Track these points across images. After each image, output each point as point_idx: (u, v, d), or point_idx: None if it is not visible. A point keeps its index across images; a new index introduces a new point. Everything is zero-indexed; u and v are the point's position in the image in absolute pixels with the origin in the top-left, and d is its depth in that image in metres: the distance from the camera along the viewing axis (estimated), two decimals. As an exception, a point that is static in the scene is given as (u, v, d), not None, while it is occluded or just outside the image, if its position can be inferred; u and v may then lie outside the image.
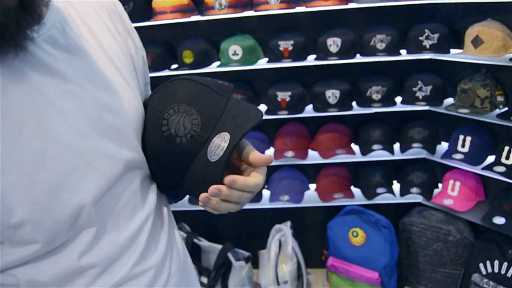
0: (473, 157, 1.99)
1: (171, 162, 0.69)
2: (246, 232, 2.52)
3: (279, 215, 2.42)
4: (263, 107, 2.29)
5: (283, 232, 2.26)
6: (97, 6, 0.70)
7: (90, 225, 0.61)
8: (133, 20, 2.39)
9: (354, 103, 2.22)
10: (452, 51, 2.04)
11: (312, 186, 2.41)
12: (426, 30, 2.02)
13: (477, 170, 1.95)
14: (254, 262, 2.38)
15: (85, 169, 0.60)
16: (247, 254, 2.30)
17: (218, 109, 0.69)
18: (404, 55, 2.08)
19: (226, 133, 0.66)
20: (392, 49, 2.07)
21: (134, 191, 0.70)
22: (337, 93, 2.15)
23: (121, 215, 0.67)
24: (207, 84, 0.71)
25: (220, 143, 0.65)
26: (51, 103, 0.57)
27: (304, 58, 2.15)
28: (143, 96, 0.79)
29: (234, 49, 2.16)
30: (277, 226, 2.35)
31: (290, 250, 2.19)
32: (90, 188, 0.60)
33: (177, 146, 0.67)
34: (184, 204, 2.31)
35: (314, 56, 2.17)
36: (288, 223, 2.34)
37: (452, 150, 2.07)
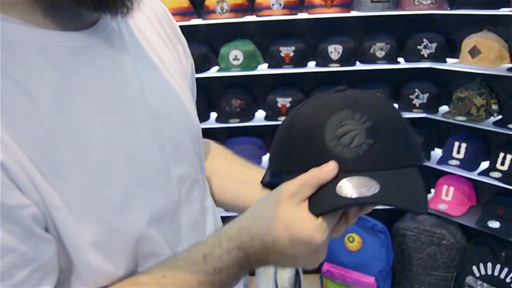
0: (468, 163, 2.06)
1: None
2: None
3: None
4: (261, 113, 2.28)
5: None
6: (147, 12, 0.67)
7: (152, 253, 0.55)
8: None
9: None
10: (448, 60, 2.11)
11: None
12: (424, 40, 2.09)
13: (473, 175, 2.02)
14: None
15: (151, 185, 0.55)
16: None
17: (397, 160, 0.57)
18: (402, 63, 2.13)
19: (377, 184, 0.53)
20: (391, 57, 2.12)
21: (196, 213, 0.66)
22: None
23: (185, 241, 0.62)
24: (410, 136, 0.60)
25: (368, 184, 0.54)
26: (114, 109, 0.53)
27: (304, 65, 2.16)
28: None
29: (235, 54, 2.14)
30: (273, 232, 2.34)
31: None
32: (155, 207, 0.55)
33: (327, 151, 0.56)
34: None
35: (314, 62, 2.19)
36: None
37: (447, 156, 2.13)
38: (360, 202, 0.53)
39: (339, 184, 0.53)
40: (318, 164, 0.54)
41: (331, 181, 0.54)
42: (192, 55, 2.37)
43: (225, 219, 0.61)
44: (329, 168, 0.53)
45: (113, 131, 0.52)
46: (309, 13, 2.08)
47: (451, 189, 2.19)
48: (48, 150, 0.45)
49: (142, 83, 0.58)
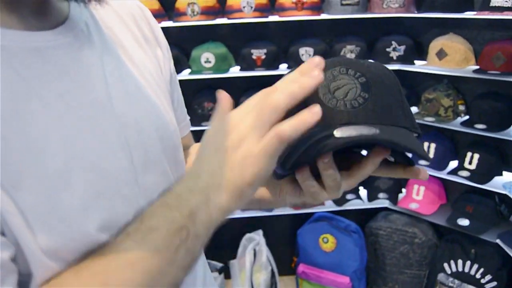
0: (438, 163, 2.11)
1: None
2: (215, 242, 2.47)
3: (248, 224, 2.40)
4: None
5: (256, 241, 2.25)
6: (122, 12, 0.65)
7: None
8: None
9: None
10: (416, 62, 2.15)
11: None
12: (393, 42, 2.12)
13: (443, 175, 2.06)
14: (225, 272, 2.34)
15: (113, 195, 0.52)
16: (220, 265, 2.26)
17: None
18: (372, 65, 2.16)
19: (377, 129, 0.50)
20: (360, 59, 2.14)
21: None
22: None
23: None
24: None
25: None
26: (76, 114, 0.50)
27: (276, 67, 2.17)
28: (173, 111, 0.73)
29: (206, 56, 2.13)
30: (248, 235, 2.33)
31: (265, 259, 2.18)
32: (116, 218, 0.52)
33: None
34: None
35: (286, 65, 2.19)
36: (260, 231, 2.33)
37: (415, 157, 2.17)
38: (360, 140, 0.49)
39: (335, 131, 0.49)
40: None
41: (325, 131, 0.50)
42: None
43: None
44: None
45: (74, 137, 0.49)
46: (280, 16, 2.09)
47: (422, 188, 2.23)
48: (1, 155, 0.43)
49: (110, 86, 0.55)
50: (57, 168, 0.46)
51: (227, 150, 0.48)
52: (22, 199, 0.44)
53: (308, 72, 0.47)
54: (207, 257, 2.46)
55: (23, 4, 0.47)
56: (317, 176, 0.54)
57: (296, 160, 0.50)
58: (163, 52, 0.72)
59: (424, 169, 0.57)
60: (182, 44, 2.22)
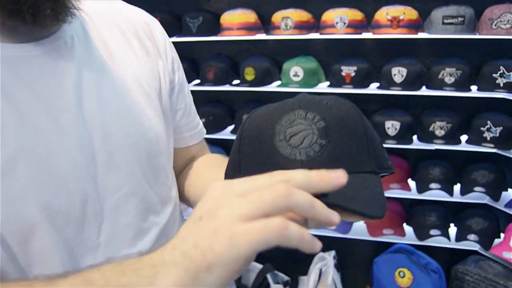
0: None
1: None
2: (288, 255, 2.47)
3: (324, 243, 2.34)
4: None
5: (325, 262, 2.19)
6: (124, 25, 0.71)
7: (42, 252, 0.58)
8: (201, 34, 2.43)
9: (415, 137, 2.11)
10: (530, 92, 1.88)
11: (362, 218, 2.31)
12: (501, 67, 1.89)
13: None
14: (293, 287, 2.32)
15: (58, 188, 0.58)
16: (286, 278, 2.25)
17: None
18: (474, 91, 1.95)
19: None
20: (461, 84, 1.95)
21: (122, 227, 0.67)
22: (397, 124, 2.06)
23: (100, 253, 0.64)
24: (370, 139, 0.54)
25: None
26: (37, 117, 0.57)
27: (366, 86, 2.08)
28: (168, 121, 0.77)
29: (295, 70, 2.15)
30: (320, 254, 2.28)
31: (330, 281, 2.11)
32: (59, 210, 0.58)
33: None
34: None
35: (377, 84, 2.10)
36: (332, 253, 2.26)
37: (519, 199, 1.90)
38: None
39: None
40: (266, 168, 0.46)
41: None
42: (255, 69, 2.42)
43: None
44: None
45: (28, 134, 0.56)
46: (374, 33, 2.01)
47: (522, 236, 1.93)
48: None
49: (83, 93, 0.61)
50: (5, 156, 0.54)
51: (201, 217, 0.41)
52: None
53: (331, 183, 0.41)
54: (279, 269, 2.47)
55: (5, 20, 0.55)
56: None
57: None
58: (166, 64, 0.77)
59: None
60: (275, 57, 2.27)
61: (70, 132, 0.59)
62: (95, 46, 0.66)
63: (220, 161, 0.85)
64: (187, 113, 0.86)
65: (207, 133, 2.52)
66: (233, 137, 2.25)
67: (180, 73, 0.83)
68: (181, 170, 0.87)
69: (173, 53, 0.81)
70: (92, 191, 0.62)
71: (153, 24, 0.78)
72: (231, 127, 2.34)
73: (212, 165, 0.86)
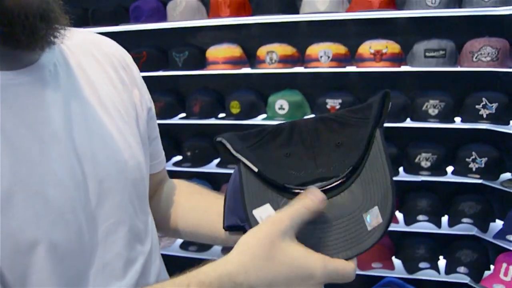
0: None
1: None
2: None
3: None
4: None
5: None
6: (100, 56, 0.71)
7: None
8: (187, 68, 2.46)
9: (401, 169, 2.11)
10: (512, 123, 1.90)
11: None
12: (483, 99, 1.91)
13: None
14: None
15: (55, 220, 0.56)
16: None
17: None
18: (458, 123, 1.97)
19: None
20: (445, 116, 1.97)
21: (113, 256, 0.65)
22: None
23: (91, 283, 0.62)
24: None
25: None
26: (27, 146, 0.55)
27: (351, 118, 2.09)
28: (146, 148, 0.77)
29: (280, 103, 2.16)
30: None
31: (320, 317, 2.05)
32: (56, 243, 0.56)
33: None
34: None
35: (362, 116, 2.11)
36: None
37: (507, 230, 1.89)
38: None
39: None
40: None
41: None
42: (241, 103, 2.43)
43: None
44: (316, 197, 0.51)
45: (22, 165, 0.54)
46: (357, 67, 2.04)
47: (511, 268, 1.91)
48: None
49: (71, 122, 0.61)
50: (1, 189, 0.52)
51: None
52: None
53: None
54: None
55: None
56: None
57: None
58: (142, 92, 0.78)
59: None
60: (260, 90, 2.28)
61: (62, 162, 0.58)
62: (76, 75, 0.66)
63: (198, 188, 0.88)
64: (157, 139, 0.86)
65: (193, 166, 2.50)
66: (219, 170, 2.25)
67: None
68: (150, 197, 0.86)
69: (142, 81, 0.82)
70: (85, 222, 0.61)
71: (126, 55, 0.79)
72: (216, 161, 2.32)
73: (199, 192, 0.87)
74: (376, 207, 0.52)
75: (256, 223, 0.53)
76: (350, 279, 0.51)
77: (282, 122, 0.62)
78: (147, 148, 0.79)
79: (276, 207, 0.53)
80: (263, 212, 0.53)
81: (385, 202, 0.51)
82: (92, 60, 0.70)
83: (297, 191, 0.54)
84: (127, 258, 0.68)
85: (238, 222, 0.61)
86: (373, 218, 0.51)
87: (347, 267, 0.51)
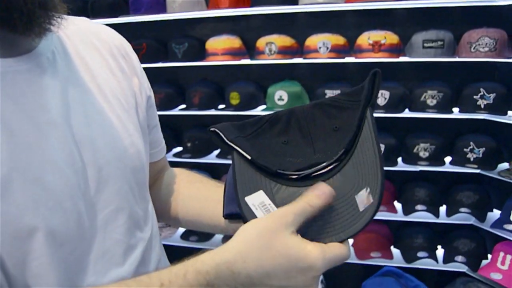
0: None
1: None
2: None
3: (312, 268, 2.32)
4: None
5: (313, 286, 2.16)
6: (99, 44, 0.72)
7: (37, 273, 0.56)
8: (186, 59, 2.46)
9: (399, 159, 2.12)
10: (510, 113, 1.91)
11: (349, 241, 2.30)
12: (481, 89, 1.92)
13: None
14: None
15: (53, 206, 0.56)
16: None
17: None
18: (456, 113, 1.98)
19: None
20: (443, 106, 1.98)
21: (112, 243, 0.66)
22: (381, 147, 2.07)
23: (91, 270, 0.63)
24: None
25: None
26: (25, 132, 0.56)
27: (350, 108, 2.10)
28: (146, 136, 0.78)
29: (280, 94, 2.17)
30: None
31: (318, 306, 2.08)
32: (54, 229, 0.56)
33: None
34: (216, 244, 2.28)
35: (360, 107, 2.12)
36: (320, 277, 2.24)
37: (504, 219, 1.90)
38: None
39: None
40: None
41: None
42: (240, 94, 2.44)
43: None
44: (322, 192, 0.52)
45: (20, 152, 0.55)
46: (356, 57, 2.04)
47: (509, 257, 1.93)
48: None
49: (69, 108, 0.61)
50: (0, 176, 0.53)
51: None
52: None
53: None
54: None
55: None
56: None
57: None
58: (142, 80, 0.78)
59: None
60: (260, 81, 2.29)
61: (61, 148, 0.59)
62: (75, 63, 0.67)
63: (199, 177, 0.88)
64: (157, 127, 0.87)
65: (193, 157, 2.51)
66: (219, 161, 2.27)
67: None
68: (150, 185, 0.87)
69: (142, 69, 0.83)
70: (84, 208, 0.61)
71: (126, 43, 0.80)
72: (216, 152, 2.34)
73: (200, 181, 0.87)
74: (368, 187, 0.53)
75: (249, 209, 0.54)
76: (346, 260, 0.53)
77: (280, 110, 0.63)
78: (147, 136, 0.79)
79: (269, 193, 0.54)
80: (256, 199, 0.54)
81: (375, 181, 0.52)
82: (91, 48, 0.71)
83: (293, 177, 0.55)
84: (127, 244, 0.68)
85: (237, 210, 0.63)
86: (364, 198, 0.52)
87: (343, 251, 0.52)
